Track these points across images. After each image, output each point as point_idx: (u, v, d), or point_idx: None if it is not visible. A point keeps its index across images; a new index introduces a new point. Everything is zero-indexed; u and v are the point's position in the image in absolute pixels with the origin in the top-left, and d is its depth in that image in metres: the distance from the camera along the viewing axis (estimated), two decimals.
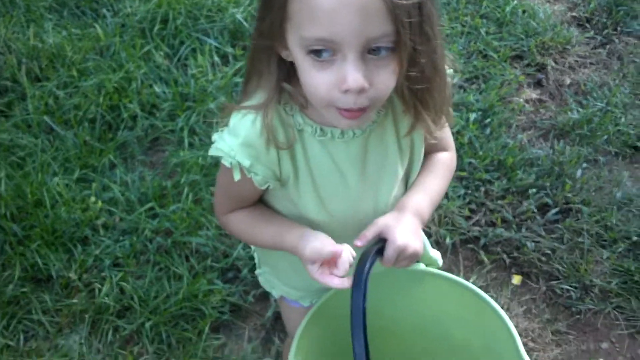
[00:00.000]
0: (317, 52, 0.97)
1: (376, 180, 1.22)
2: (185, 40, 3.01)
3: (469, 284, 1.29)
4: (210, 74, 2.86)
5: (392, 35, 0.94)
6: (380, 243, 1.13)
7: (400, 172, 1.24)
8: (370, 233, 1.15)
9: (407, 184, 1.29)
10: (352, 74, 0.95)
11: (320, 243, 1.12)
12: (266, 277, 1.55)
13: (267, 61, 1.08)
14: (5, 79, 2.85)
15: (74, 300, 2.12)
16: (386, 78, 0.99)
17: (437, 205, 1.29)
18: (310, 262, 1.13)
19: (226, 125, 1.13)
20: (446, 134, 1.31)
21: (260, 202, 1.29)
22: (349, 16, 0.91)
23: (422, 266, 1.32)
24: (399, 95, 1.07)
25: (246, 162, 1.11)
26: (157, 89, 2.78)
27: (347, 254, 1.11)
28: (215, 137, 1.14)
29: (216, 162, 2.48)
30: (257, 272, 1.58)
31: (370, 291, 1.06)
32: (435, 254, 1.45)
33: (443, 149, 1.33)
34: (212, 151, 1.14)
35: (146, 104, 2.73)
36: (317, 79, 0.99)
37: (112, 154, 2.54)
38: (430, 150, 1.31)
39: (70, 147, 2.55)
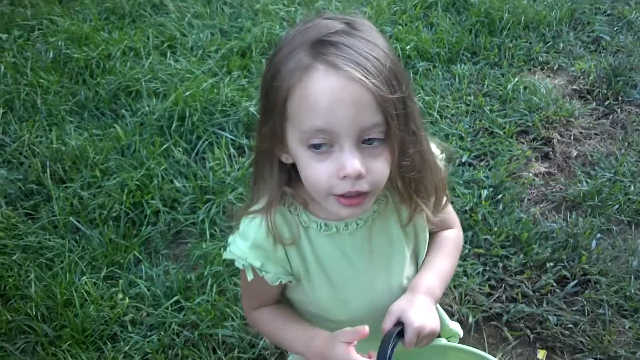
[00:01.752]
0: (316, 146, 1.07)
1: (385, 264, 1.30)
2: (202, 135, 3.14)
3: (489, 356, 1.32)
4: (227, 165, 2.96)
5: (382, 126, 1.05)
6: (399, 326, 1.19)
7: (408, 255, 1.32)
8: (388, 324, 1.20)
9: (418, 263, 1.35)
10: (350, 161, 1.05)
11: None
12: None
13: (270, 166, 1.18)
14: (31, 182, 2.96)
15: None
16: (381, 165, 1.09)
17: (448, 282, 1.35)
18: None
19: (237, 228, 1.24)
20: (448, 214, 1.39)
21: (285, 302, 1.37)
22: (344, 108, 1.02)
23: (443, 341, 1.37)
24: (394, 187, 1.17)
25: (257, 263, 1.21)
26: (177, 183, 2.88)
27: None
28: (229, 240, 1.25)
29: None
30: (289, 358, 1.65)
31: None
32: (455, 326, 1.50)
33: (448, 226, 1.41)
34: (226, 255, 1.25)
35: (168, 199, 2.83)
36: (317, 170, 1.09)
37: (137, 250, 2.62)
38: (436, 229, 1.38)
39: (96, 246, 2.62)
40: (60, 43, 3.83)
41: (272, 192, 1.19)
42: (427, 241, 1.35)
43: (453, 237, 1.41)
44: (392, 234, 1.28)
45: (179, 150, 3.05)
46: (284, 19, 3.90)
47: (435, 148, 1.27)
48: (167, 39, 3.84)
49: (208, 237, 2.66)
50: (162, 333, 2.31)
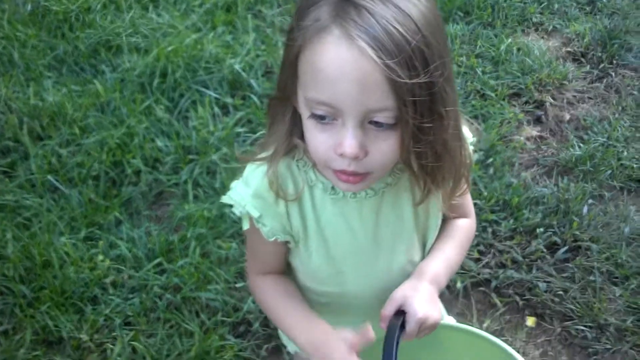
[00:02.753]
0: (319, 116, 0.98)
1: (390, 244, 1.22)
2: (185, 93, 3.03)
3: (481, 331, 1.27)
4: (211, 125, 2.87)
5: (393, 111, 0.94)
6: (400, 317, 1.11)
7: (416, 236, 1.24)
8: (389, 311, 1.13)
9: (425, 248, 1.28)
10: (348, 141, 0.96)
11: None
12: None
13: (282, 113, 1.09)
14: (7, 139, 2.86)
15: None
16: (385, 150, 0.99)
17: (455, 272, 1.28)
18: None
19: (242, 174, 1.17)
20: (466, 201, 1.30)
21: (286, 277, 1.29)
22: (349, 86, 0.92)
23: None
24: (408, 167, 1.07)
25: (255, 213, 1.13)
26: (159, 143, 2.79)
27: None
28: (232, 184, 1.17)
29: (222, 214, 2.49)
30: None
31: None
32: (449, 321, 1.44)
33: (463, 215, 1.32)
34: (225, 199, 1.16)
35: (149, 159, 2.74)
36: (317, 139, 1.01)
37: (118, 211, 2.54)
38: (450, 216, 1.31)
39: (75, 206, 2.54)
40: None
41: (280, 140, 1.11)
42: (439, 227, 1.26)
43: (466, 227, 1.32)
44: (403, 211, 1.19)
45: (161, 108, 2.95)
46: None
47: (467, 132, 1.18)
48: None
49: (191, 198, 2.59)
50: (144, 296, 2.25)
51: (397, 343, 1.06)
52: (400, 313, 1.11)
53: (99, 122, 2.88)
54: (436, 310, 1.14)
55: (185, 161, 2.71)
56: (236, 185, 1.16)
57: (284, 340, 1.57)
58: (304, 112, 1.01)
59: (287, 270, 1.30)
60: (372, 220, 1.18)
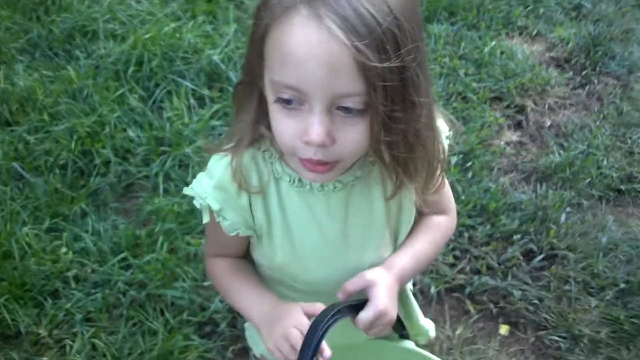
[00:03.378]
0: (285, 100, 0.92)
1: (360, 239, 1.15)
2: (161, 83, 2.95)
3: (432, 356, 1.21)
4: (186, 117, 2.79)
5: (362, 96, 0.88)
6: (356, 300, 1.07)
7: (387, 233, 1.18)
8: (353, 286, 1.09)
9: (396, 246, 1.22)
10: (315, 127, 0.91)
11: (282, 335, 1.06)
12: (250, 333, 1.50)
13: (249, 100, 1.04)
14: None
15: (44, 359, 2.01)
16: (353, 137, 0.93)
17: (422, 270, 1.23)
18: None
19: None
20: (444, 197, 1.24)
21: (246, 260, 1.24)
22: (317, 68, 0.86)
23: (410, 344, 1.25)
24: (379, 158, 1.01)
25: (216, 206, 1.08)
26: (131, 133, 2.70)
27: None
28: (198, 176, 1.12)
29: (192, 209, 2.41)
30: (245, 324, 1.55)
31: None
32: (428, 324, 1.39)
33: (441, 210, 1.26)
34: (186, 190, 1.11)
35: (120, 149, 2.66)
36: (283, 125, 0.95)
37: (84, 202, 2.45)
38: (426, 212, 1.25)
39: (40, 195, 2.45)
40: None
41: (246, 129, 1.05)
42: (411, 223, 1.20)
43: (442, 224, 1.25)
44: (373, 206, 1.13)
45: (135, 98, 2.86)
46: None
47: (443, 124, 1.12)
48: None
49: (161, 191, 2.51)
50: (107, 291, 2.17)
51: (334, 322, 1.00)
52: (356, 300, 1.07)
53: (69, 109, 2.79)
54: (394, 310, 1.10)
55: (157, 153, 2.63)
56: (200, 177, 1.11)
57: (250, 342, 1.52)
58: (270, 96, 0.95)
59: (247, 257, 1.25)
60: (340, 215, 1.12)
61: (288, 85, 0.90)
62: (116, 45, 3.13)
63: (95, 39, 3.23)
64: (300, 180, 1.08)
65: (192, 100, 2.88)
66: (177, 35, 3.15)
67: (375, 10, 0.85)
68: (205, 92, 2.93)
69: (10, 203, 2.41)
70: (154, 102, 2.89)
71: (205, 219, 1.11)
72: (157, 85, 2.95)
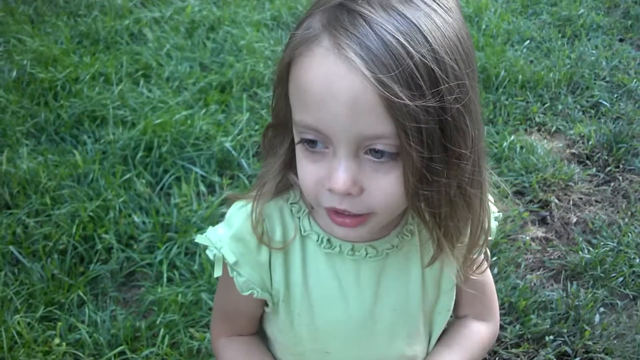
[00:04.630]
0: (310, 142, 0.81)
1: (390, 324, 1.00)
2: (170, 169, 2.85)
3: None
4: (195, 203, 2.67)
5: (392, 138, 0.76)
6: None
7: (422, 322, 1.02)
8: None
9: (430, 342, 1.06)
10: (339, 173, 0.78)
11: None
12: None
13: (279, 144, 0.92)
14: None
15: None
16: (384, 186, 0.80)
17: None
18: None
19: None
20: (486, 293, 1.09)
21: (259, 339, 1.09)
22: (337, 107, 0.75)
23: None
24: (417, 214, 0.86)
25: (231, 258, 0.94)
26: (136, 218, 2.57)
27: None
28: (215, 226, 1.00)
29: (197, 299, 2.24)
30: None
31: None
32: None
33: (481, 313, 1.10)
34: (199, 238, 0.98)
35: (123, 235, 2.51)
36: (306, 170, 0.83)
37: (82, 290, 2.28)
38: (465, 312, 1.09)
39: (36, 281, 2.29)
40: (25, 62, 3.54)
41: (272, 175, 0.92)
42: (450, 312, 1.05)
43: (483, 335, 1.11)
44: (409, 286, 0.99)
45: (142, 183, 2.74)
46: (269, 58, 3.67)
47: (492, 206, 1.01)
48: (142, 67, 3.57)
49: (165, 281, 2.35)
50: None
51: None
52: None
53: (73, 193, 2.67)
54: None
55: (162, 240, 2.49)
56: (217, 226, 0.98)
57: None
58: (295, 138, 0.84)
59: (259, 334, 1.08)
60: (370, 290, 0.97)
61: (308, 125, 0.79)
62: (125, 131, 3.06)
63: (104, 124, 3.16)
64: (329, 240, 0.95)
65: (201, 187, 2.76)
66: (189, 121, 3.08)
67: (405, 40, 0.73)
68: (216, 178, 2.82)
69: (3, 289, 2.24)
70: (161, 188, 2.77)
71: (218, 272, 0.98)
72: (165, 171, 2.84)
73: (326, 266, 0.96)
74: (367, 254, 0.95)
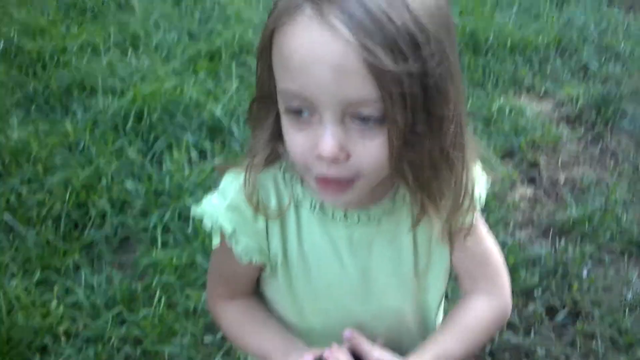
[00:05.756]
0: (295, 111, 0.82)
1: (382, 285, 1.02)
2: (161, 136, 2.86)
3: None
4: (187, 169, 2.68)
5: (377, 102, 0.77)
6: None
7: (413, 286, 1.04)
8: (359, 348, 0.96)
9: (423, 302, 1.08)
10: (326, 139, 0.79)
11: None
12: None
13: (265, 116, 0.91)
14: None
15: None
16: (372, 151, 0.81)
17: None
18: None
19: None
20: (490, 263, 1.08)
21: (258, 299, 1.11)
22: (321, 72, 0.76)
23: None
24: (400, 177, 0.87)
25: (229, 227, 0.95)
26: (129, 185, 2.58)
27: None
28: (207, 196, 0.99)
29: (192, 262, 2.27)
30: None
31: None
32: None
33: (485, 289, 1.09)
34: (195, 210, 0.98)
35: (116, 201, 2.53)
36: (294, 139, 0.84)
37: (77, 255, 2.30)
38: (468, 287, 1.09)
39: (31, 247, 2.31)
40: (12, 34, 3.53)
41: (261, 147, 0.93)
42: (445, 281, 1.06)
43: (484, 317, 1.07)
44: (401, 251, 1.00)
45: (134, 150, 2.76)
46: (258, 25, 3.67)
47: (478, 171, 1.00)
48: (130, 36, 3.57)
49: (160, 245, 2.37)
50: (100, 347, 1.99)
51: None
52: None
53: (65, 161, 2.68)
54: None
55: (156, 205, 2.51)
56: (211, 197, 0.98)
57: None
58: (281, 108, 0.85)
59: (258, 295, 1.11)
60: (363, 253, 0.99)
61: (293, 93, 0.80)
62: (115, 100, 3.06)
63: (93, 94, 3.16)
64: (322, 206, 0.96)
65: (193, 154, 2.78)
66: (178, 90, 3.09)
67: (388, 7, 0.74)
68: (207, 145, 2.83)
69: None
70: (153, 156, 2.79)
71: (216, 240, 0.99)
72: (156, 138, 2.85)
73: (320, 231, 0.98)
74: (359, 219, 0.97)
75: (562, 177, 2.78)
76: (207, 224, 0.97)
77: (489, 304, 1.08)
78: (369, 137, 0.80)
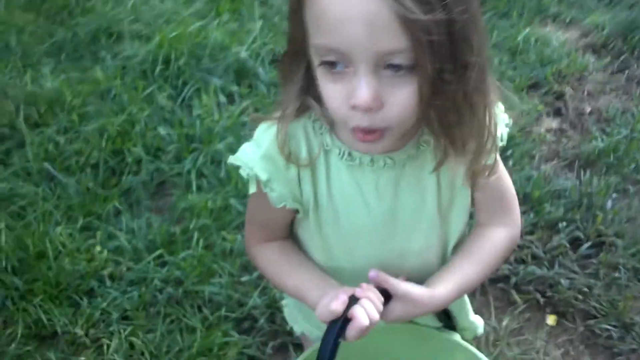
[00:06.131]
0: (330, 63, 0.87)
1: (408, 223, 1.09)
2: (189, 81, 2.91)
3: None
4: (216, 114, 2.75)
5: (408, 52, 0.82)
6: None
7: (438, 222, 1.11)
8: (385, 284, 1.03)
9: (447, 239, 1.15)
10: (362, 89, 0.85)
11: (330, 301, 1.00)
12: (290, 310, 1.44)
13: (295, 70, 0.97)
14: (3, 126, 2.73)
15: (82, 358, 1.96)
16: (403, 99, 0.86)
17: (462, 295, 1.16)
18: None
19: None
20: (505, 196, 1.15)
21: (293, 241, 1.19)
22: (354, 27, 0.80)
23: (457, 336, 1.19)
24: (427, 122, 0.94)
25: (264, 176, 1.02)
26: (161, 131, 2.66)
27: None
28: (242, 146, 1.06)
29: (226, 205, 2.36)
30: (282, 302, 1.50)
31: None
32: (477, 320, 1.32)
33: (501, 218, 1.16)
34: (231, 159, 1.05)
35: (151, 147, 2.62)
36: (330, 91, 0.90)
37: (117, 201, 2.41)
38: (484, 219, 1.16)
39: (72, 195, 2.42)
40: None
41: (292, 100, 0.99)
42: (466, 214, 1.13)
43: (500, 242, 1.15)
44: (425, 191, 1.07)
45: (163, 96, 2.82)
46: None
47: (501, 110, 1.05)
48: None
49: (194, 188, 2.46)
50: (143, 289, 2.11)
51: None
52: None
53: (98, 109, 2.76)
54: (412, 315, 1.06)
55: (188, 150, 2.59)
56: (246, 146, 1.05)
57: (290, 320, 1.46)
58: (315, 61, 0.90)
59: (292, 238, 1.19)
60: (389, 195, 1.06)
61: (328, 48, 0.85)
62: (142, 45, 3.11)
63: (120, 40, 3.21)
64: (350, 154, 1.03)
65: (221, 97, 2.84)
66: (203, 33, 3.12)
67: None
68: (234, 88, 2.89)
69: (43, 203, 2.38)
70: (182, 100, 2.85)
71: (252, 189, 1.05)
72: (185, 83, 2.91)
73: (348, 177, 1.04)
74: (385, 164, 1.03)
75: (587, 108, 2.79)
76: (243, 173, 1.03)
77: (505, 234, 1.15)
78: (400, 85, 0.85)
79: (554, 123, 2.73)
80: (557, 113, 2.78)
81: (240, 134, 2.63)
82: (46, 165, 2.53)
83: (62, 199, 2.41)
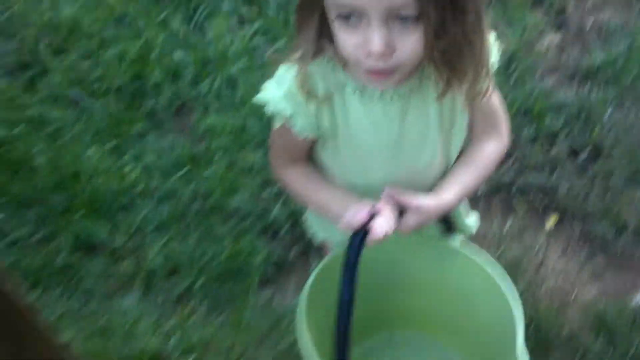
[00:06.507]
0: (345, 17, 1.01)
1: (416, 142, 1.25)
2: (200, 4, 2.99)
3: (488, 264, 1.30)
4: (228, 37, 2.85)
5: (415, 3, 0.96)
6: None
7: (440, 139, 1.27)
8: (398, 198, 1.19)
9: (449, 149, 1.31)
10: (375, 39, 0.99)
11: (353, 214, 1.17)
12: (311, 220, 1.60)
13: (310, 19, 1.11)
14: (25, 54, 2.83)
15: (123, 267, 2.16)
16: (411, 45, 1.02)
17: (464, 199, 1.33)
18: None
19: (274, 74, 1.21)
20: (497, 113, 1.31)
21: (315, 165, 1.35)
22: None
23: (456, 241, 1.37)
24: (431, 61, 1.09)
25: (287, 112, 1.17)
26: (177, 56, 2.77)
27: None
28: (264, 84, 1.21)
29: (244, 125, 2.50)
30: (303, 217, 1.68)
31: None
32: (471, 221, 1.48)
33: (492, 131, 1.32)
34: (257, 98, 1.20)
35: (168, 72, 2.73)
36: (346, 41, 1.04)
37: (141, 123, 2.55)
38: (478, 134, 1.32)
39: (99, 119, 2.56)
40: None
41: (309, 43, 1.13)
42: (465, 130, 1.29)
43: (495, 153, 1.32)
44: (429, 116, 1.23)
45: (177, 21, 2.91)
46: None
47: (492, 38, 1.19)
48: None
49: (213, 110, 2.60)
50: (174, 204, 2.29)
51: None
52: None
53: (115, 35, 2.86)
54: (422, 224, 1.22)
55: (204, 74, 2.71)
56: (268, 85, 1.20)
57: (311, 230, 1.62)
58: (331, 14, 1.04)
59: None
60: (398, 121, 1.21)
61: (343, 3, 0.99)
62: None
63: None
64: (362, 88, 1.17)
65: (231, 21, 2.92)
66: None
67: None
68: (244, 11, 2.97)
69: (73, 127, 2.52)
70: (195, 25, 2.94)
71: (277, 124, 1.23)
72: (196, 7, 2.99)
73: (361, 109, 1.19)
74: (392, 98, 1.18)
75: (589, 22, 2.88)
76: (269, 109, 1.19)
77: (496, 146, 1.32)
78: (408, 33, 1.01)
79: (555, 38, 2.83)
80: (559, 28, 2.87)
81: (253, 58, 2.73)
82: (73, 91, 2.66)
83: (90, 122, 2.56)
